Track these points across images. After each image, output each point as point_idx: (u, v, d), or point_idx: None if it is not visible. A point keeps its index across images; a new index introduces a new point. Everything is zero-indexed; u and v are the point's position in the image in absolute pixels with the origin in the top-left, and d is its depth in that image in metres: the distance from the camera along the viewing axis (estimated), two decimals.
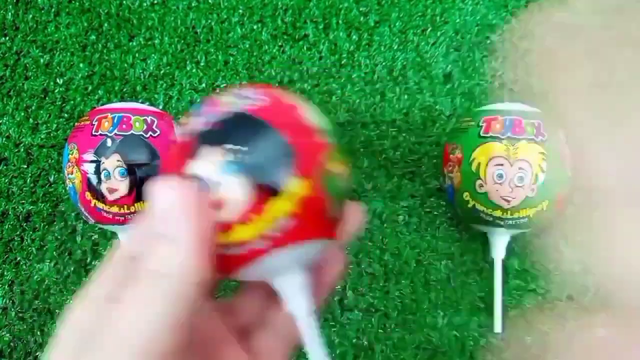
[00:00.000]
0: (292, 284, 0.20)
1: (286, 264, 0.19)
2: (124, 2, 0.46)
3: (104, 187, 0.35)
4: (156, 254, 0.17)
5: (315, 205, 0.19)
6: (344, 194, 0.21)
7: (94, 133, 0.35)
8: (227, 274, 0.20)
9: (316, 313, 0.21)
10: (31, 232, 0.42)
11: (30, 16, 0.45)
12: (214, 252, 0.18)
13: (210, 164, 0.18)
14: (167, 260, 0.17)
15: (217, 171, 0.18)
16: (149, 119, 0.36)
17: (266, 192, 0.18)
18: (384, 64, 0.45)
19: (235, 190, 0.18)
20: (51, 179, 0.43)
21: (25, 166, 0.43)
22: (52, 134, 0.44)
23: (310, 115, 0.20)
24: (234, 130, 0.18)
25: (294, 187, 0.18)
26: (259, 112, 0.19)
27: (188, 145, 0.19)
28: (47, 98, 0.44)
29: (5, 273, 0.42)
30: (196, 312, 0.20)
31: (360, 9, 0.46)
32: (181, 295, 0.16)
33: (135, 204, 0.35)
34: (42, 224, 0.42)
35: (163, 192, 0.18)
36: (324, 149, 0.20)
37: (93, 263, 0.42)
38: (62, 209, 0.42)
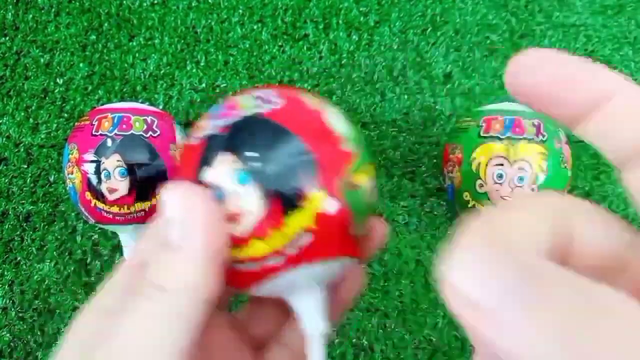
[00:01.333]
0: (307, 303, 0.19)
1: (302, 282, 0.18)
2: (124, 2, 0.46)
3: (104, 187, 0.35)
4: (161, 265, 0.16)
5: (337, 221, 0.17)
6: (369, 210, 0.19)
7: (94, 133, 0.35)
8: (240, 289, 0.19)
9: (329, 334, 0.20)
10: (31, 232, 0.42)
11: (30, 16, 0.45)
12: (226, 267, 0.17)
13: (226, 172, 0.17)
14: (172, 273, 0.16)
15: (233, 180, 0.16)
16: (149, 119, 0.36)
17: (284, 205, 0.16)
18: (384, 64, 0.45)
19: (250, 202, 0.16)
20: (51, 179, 0.43)
21: (25, 166, 0.43)
22: (52, 134, 0.43)
23: (336, 121, 0.18)
24: (250, 136, 0.17)
25: (314, 200, 0.16)
26: (278, 116, 0.17)
27: (203, 150, 0.17)
28: (47, 98, 0.44)
29: (5, 273, 0.42)
30: (210, 327, 0.18)
31: (360, 9, 0.46)
32: (183, 315, 0.15)
33: (136, 204, 0.35)
34: (42, 224, 0.42)
35: (175, 198, 0.16)
36: (349, 159, 0.18)
37: (93, 263, 0.42)
38: (62, 209, 0.42)
